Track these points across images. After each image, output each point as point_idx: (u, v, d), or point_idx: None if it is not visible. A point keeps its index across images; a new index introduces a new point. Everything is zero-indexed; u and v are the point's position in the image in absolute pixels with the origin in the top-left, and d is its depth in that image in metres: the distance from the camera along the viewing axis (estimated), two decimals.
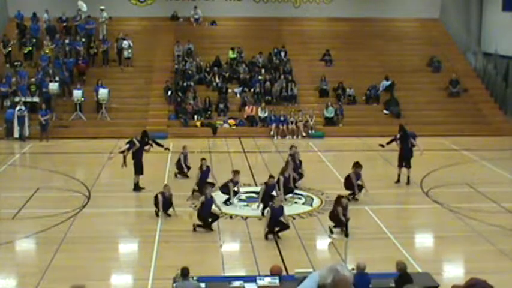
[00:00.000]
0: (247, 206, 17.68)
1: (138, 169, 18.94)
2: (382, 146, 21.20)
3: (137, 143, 19.11)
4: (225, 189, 17.77)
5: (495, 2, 33.71)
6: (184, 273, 11.09)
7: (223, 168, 22.03)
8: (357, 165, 18.10)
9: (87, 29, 32.21)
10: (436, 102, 30.63)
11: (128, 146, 19.16)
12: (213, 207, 15.89)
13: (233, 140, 27.26)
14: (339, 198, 15.47)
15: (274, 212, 14.92)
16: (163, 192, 16.60)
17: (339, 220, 15.12)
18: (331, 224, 15.29)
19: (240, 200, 18.08)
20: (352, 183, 17.94)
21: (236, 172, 18.17)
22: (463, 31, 35.56)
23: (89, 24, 32.28)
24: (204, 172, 18.58)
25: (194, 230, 15.42)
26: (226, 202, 17.51)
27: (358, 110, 29.98)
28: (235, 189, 17.88)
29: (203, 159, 19.01)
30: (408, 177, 19.86)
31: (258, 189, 18.91)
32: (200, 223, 15.50)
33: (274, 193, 17.24)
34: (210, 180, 18.58)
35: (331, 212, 15.52)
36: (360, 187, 18.05)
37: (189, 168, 20.52)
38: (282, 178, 18.11)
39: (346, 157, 25.08)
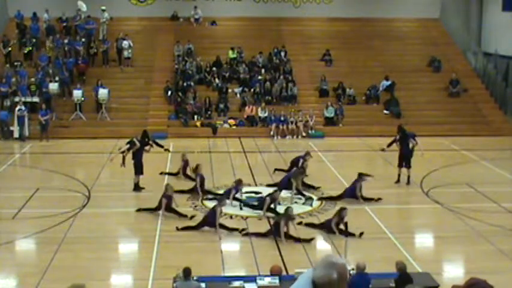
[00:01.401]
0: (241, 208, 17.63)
1: (138, 169, 18.92)
2: (383, 150, 21.23)
3: (137, 143, 19.09)
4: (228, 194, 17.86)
5: (495, 2, 33.70)
6: (186, 273, 11.09)
7: (224, 168, 22.06)
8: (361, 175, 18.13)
9: (87, 29, 32.21)
10: (436, 102, 30.63)
11: (128, 146, 19.14)
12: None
13: (233, 140, 27.24)
14: (341, 210, 15.45)
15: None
16: (166, 194, 16.65)
17: (330, 230, 15.18)
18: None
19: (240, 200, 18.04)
20: (357, 195, 17.88)
21: (239, 181, 18.21)
22: (463, 31, 35.55)
23: (89, 24, 32.27)
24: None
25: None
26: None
27: (358, 110, 29.97)
28: (238, 196, 17.83)
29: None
30: (408, 177, 19.86)
31: (258, 189, 18.98)
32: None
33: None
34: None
35: (323, 224, 15.51)
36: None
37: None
38: (294, 182, 18.30)
39: (346, 157, 25.17)
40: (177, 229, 15.42)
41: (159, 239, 14.99)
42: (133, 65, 32.02)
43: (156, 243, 14.67)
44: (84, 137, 26.91)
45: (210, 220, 15.44)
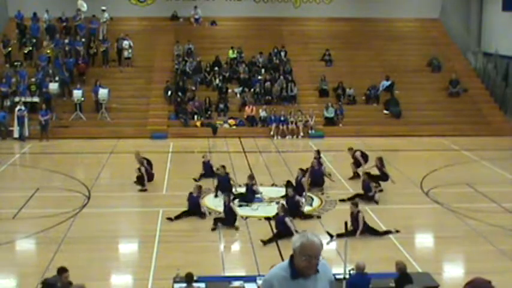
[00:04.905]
0: (247, 206, 17.67)
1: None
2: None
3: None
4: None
5: (495, 2, 33.70)
6: (188, 278, 11.06)
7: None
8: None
9: (90, 28, 32.20)
10: (436, 102, 30.62)
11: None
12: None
13: (233, 140, 27.25)
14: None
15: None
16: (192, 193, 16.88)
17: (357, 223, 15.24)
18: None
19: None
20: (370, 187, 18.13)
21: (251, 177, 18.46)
22: (463, 31, 35.55)
23: (92, 24, 32.27)
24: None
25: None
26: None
27: (358, 110, 29.96)
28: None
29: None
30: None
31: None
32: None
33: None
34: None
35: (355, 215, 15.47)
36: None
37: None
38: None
39: (346, 157, 25.10)
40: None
41: (159, 239, 14.99)
42: (133, 65, 32.03)
43: (156, 243, 14.67)
44: (84, 137, 26.90)
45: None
